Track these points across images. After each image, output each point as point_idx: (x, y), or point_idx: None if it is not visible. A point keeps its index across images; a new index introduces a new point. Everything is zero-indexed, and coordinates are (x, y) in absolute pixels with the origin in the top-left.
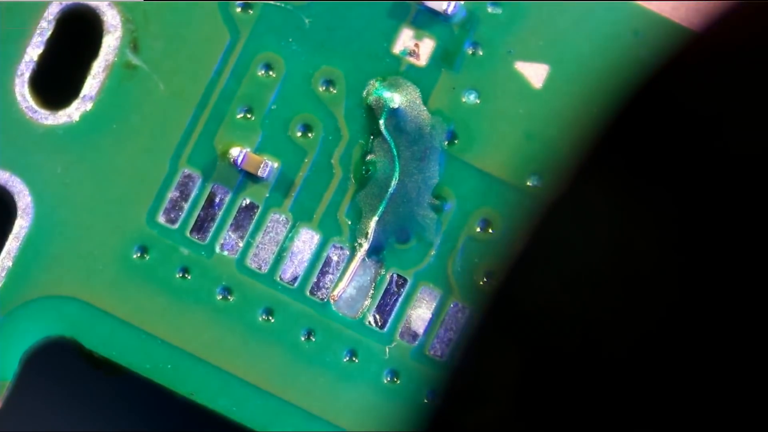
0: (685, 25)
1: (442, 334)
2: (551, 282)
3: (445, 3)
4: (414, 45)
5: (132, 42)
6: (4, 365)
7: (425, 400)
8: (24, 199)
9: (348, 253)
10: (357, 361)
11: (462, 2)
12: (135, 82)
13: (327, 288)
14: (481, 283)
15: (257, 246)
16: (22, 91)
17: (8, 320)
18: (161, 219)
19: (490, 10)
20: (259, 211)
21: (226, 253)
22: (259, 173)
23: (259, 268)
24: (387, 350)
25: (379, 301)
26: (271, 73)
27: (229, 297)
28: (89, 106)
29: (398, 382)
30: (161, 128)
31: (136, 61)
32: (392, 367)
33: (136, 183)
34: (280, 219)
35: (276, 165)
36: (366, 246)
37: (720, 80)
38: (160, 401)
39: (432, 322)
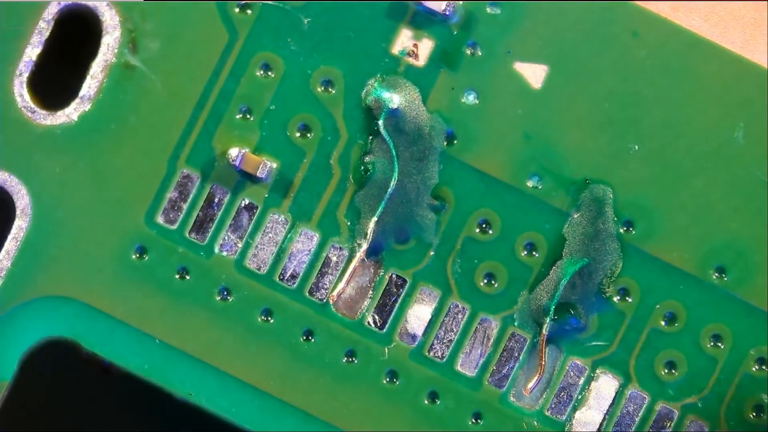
0: (684, 26)
1: (441, 335)
2: None
3: (444, 3)
4: (413, 45)
5: (130, 42)
6: (2, 365)
7: (424, 401)
8: (22, 200)
9: (347, 253)
10: (356, 361)
11: (455, 6)
12: (133, 83)
13: (326, 288)
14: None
15: (256, 246)
16: (21, 91)
17: (7, 321)
18: (160, 219)
19: (489, 10)
20: (258, 211)
21: (225, 253)
22: (258, 173)
23: (258, 269)
24: (386, 351)
25: (379, 302)
26: (269, 73)
27: (228, 297)
28: (88, 106)
29: (397, 382)
30: (160, 128)
31: (135, 61)
32: (391, 368)
33: (135, 183)
34: (279, 219)
35: (275, 165)
36: (365, 246)
37: None
38: (159, 402)
39: (431, 323)
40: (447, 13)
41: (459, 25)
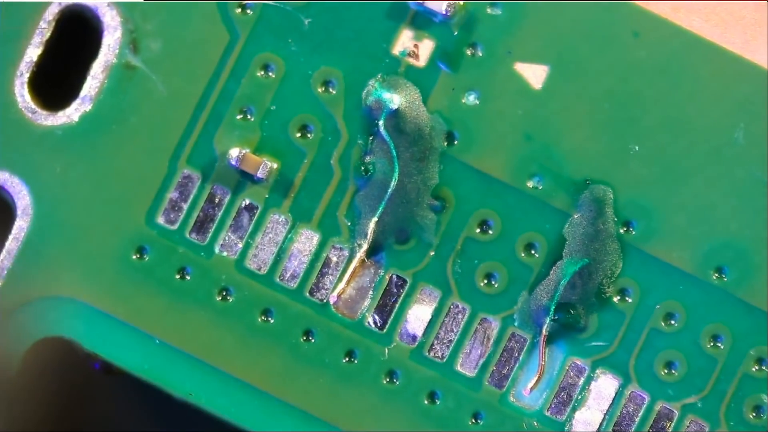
0: (684, 27)
1: (441, 335)
2: None
3: (444, 3)
4: (413, 46)
5: (131, 43)
6: (2, 365)
7: (424, 401)
8: (23, 200)
9: (347, 253)
10: (356, 362)
11: (445, 10)
12: (134, 83)
13: (326, 289)
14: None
15: (257, 247)
16: (22, 92)
17: (7, 320)
18: (160, 220)
19: (489, 10)
20: (258, 211)
21: (225, 253)
22: (258, 174)
23: (259, 269)
24: (386, 351)
25: (379, 302)
26: (270, 73)
27: (228, 298)
28: (89, 106)
29: (397, 383)
30: (161, 129)
31: (136, 61)
32: (391, 368)
33: (136, 184)
34: (280, 219)
35: (275, 166)
36: (365, 247)
37: None
38: (159, 402)
39: (431, 323)
40: (447, 13)
41: (459, 25)
